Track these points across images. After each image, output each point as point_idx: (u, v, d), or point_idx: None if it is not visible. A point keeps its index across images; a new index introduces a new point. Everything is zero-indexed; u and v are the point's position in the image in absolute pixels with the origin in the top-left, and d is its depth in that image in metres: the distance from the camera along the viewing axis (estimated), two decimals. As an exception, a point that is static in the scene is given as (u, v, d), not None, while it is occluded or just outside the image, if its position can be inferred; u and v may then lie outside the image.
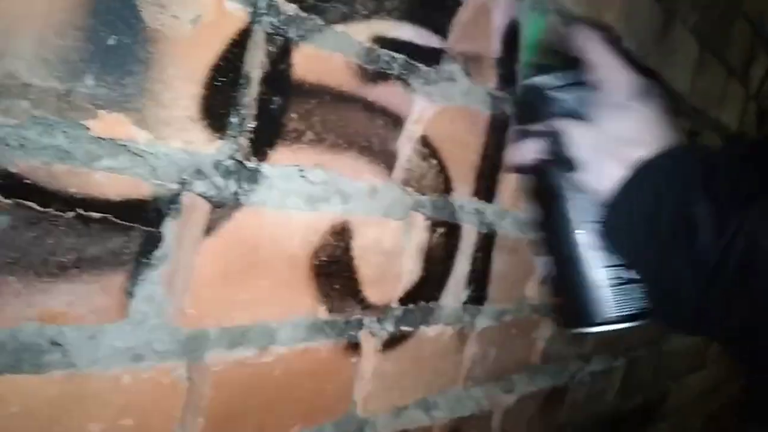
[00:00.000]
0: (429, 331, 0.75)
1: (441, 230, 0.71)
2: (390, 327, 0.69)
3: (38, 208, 0.38)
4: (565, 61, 0.57)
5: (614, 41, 0.56)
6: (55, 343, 0.42)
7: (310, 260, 0.57)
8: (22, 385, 0.41)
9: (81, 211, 0.40)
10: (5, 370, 0.40)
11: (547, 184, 0.58)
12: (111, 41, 0.38)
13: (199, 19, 0.42)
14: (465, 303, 0.80)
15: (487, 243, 0.80)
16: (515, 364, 0.98)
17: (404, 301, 0.70)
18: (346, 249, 0.60)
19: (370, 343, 0.67)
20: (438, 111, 0.65)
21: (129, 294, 0.45)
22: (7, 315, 0.39)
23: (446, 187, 0.70)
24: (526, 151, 0.59)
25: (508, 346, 0.94)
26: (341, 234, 0.59)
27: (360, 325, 0.66)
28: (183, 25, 0.41)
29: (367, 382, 0.69)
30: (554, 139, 0.56)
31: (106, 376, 0.45)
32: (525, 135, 0.60)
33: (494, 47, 0.69)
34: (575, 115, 0.55)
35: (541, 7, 0.73)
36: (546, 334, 1.03)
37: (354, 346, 0.66)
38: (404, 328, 0.71)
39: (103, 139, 0.40)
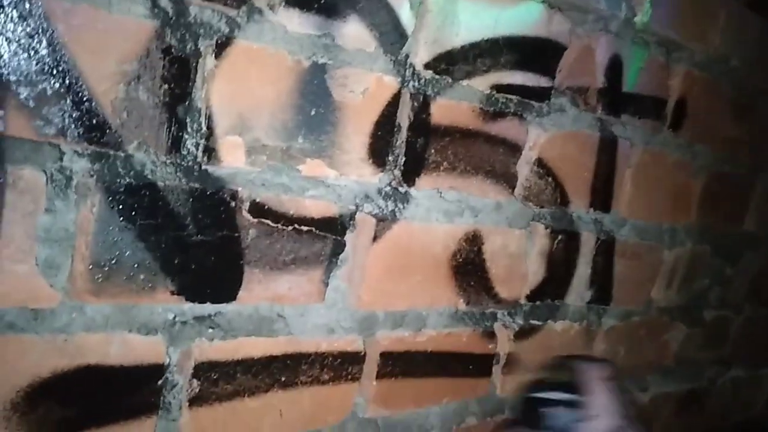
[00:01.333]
0: (556, 326, 0.87)
1: (561, 237, 0.84)
2: (520, 320, 0.83)
3: (271, 224, 0.58)
4: (569, 383, 0.63)
5: (613, 380, 0.63)
6: (280, 316, 0.61)
7: (450, 261, 0.73)
8: (261, 344, 0.61)
9: (296, 226, 0.60)
10: (252, 334, 0.60)
11: None
12: (313, 112, 0.58)
13: (367, 91, 0.61)
14: (589, 303, 0.90)
15: (607, 248, 0.90)
16: (647, 364, 1.05)
17: (531, 298, 0.83)
18: (478, 252, 0.75)
19: (503, 333, 0.81)
20: (550, 137, 0.79)
21: (325, 284, 0.64)
22: (253, 295, 0.59)
23: (563, 200, 0.83)
24: None
25: (638, 346, 1.02)
26: (473, 240, 0.74)
27: (494, 317, 0.80)
28: (357, 97, 0.60)
29: (504, 366, 0.82)
30: None
31: (311, 343, 0.64)
32: None
33: (599, 80, 0.81)
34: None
35: (642, 39, 0.84)
36: (678, 337, 1.08)
37: (490, 335, 0.80)
38: (533, 322, 0.84)
39: (309, 177, 0.60)
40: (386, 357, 0.70)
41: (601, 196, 0.87)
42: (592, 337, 0.93)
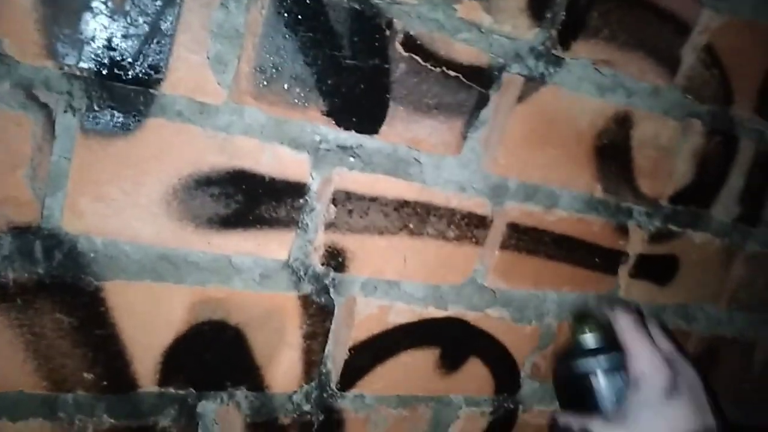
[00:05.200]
0: (696, 237, 0.81)
1: (717, 139, 0.77)
2: (658, 222, 0.78)
3: (421, 61, 0.58)
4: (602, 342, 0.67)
5: (645, 323, 0.65)
6: (417, 161, 0.62)
7: (594, 140, 0.69)
8: (396, 186, 0.62)
9: (444, 69, 0.59)
10: (389, 173, 0.61)
11: None
12: (477, -52, 0.56)
13: (536, -69, 0.58)
14: (735, 220, 0.83)
15: (766, 163, 0.82)
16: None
17: (674, 200, 0.77)
18: (626, 137, 0.71)
19: (637, 233, 0.77)
20: (724, 23, 0.71)
21: (463, 137, 0.63)
22: (395, 133, 0.60)
23: (726, 99, 0.75)
24: None
25: (782, 284, 0.93)
26: (623, 122, 0.70)
27: (630, 213, 0.75)
28: (524, -64, 0.57)
29: (631, 267, 0.78)
30: None
31: (442, 196, 0.64)
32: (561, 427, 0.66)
33: (793, -38, 0.72)
34: (612, 407, 0.62)
35: None
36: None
37: (623, 231, 0.76)
38: (672, 227, 0.79)
39: (464, 18, 0.58)
40: (513, 228, 0.69)
41: (771, 103, 0.79)
42: (730, 259, 0.86)
